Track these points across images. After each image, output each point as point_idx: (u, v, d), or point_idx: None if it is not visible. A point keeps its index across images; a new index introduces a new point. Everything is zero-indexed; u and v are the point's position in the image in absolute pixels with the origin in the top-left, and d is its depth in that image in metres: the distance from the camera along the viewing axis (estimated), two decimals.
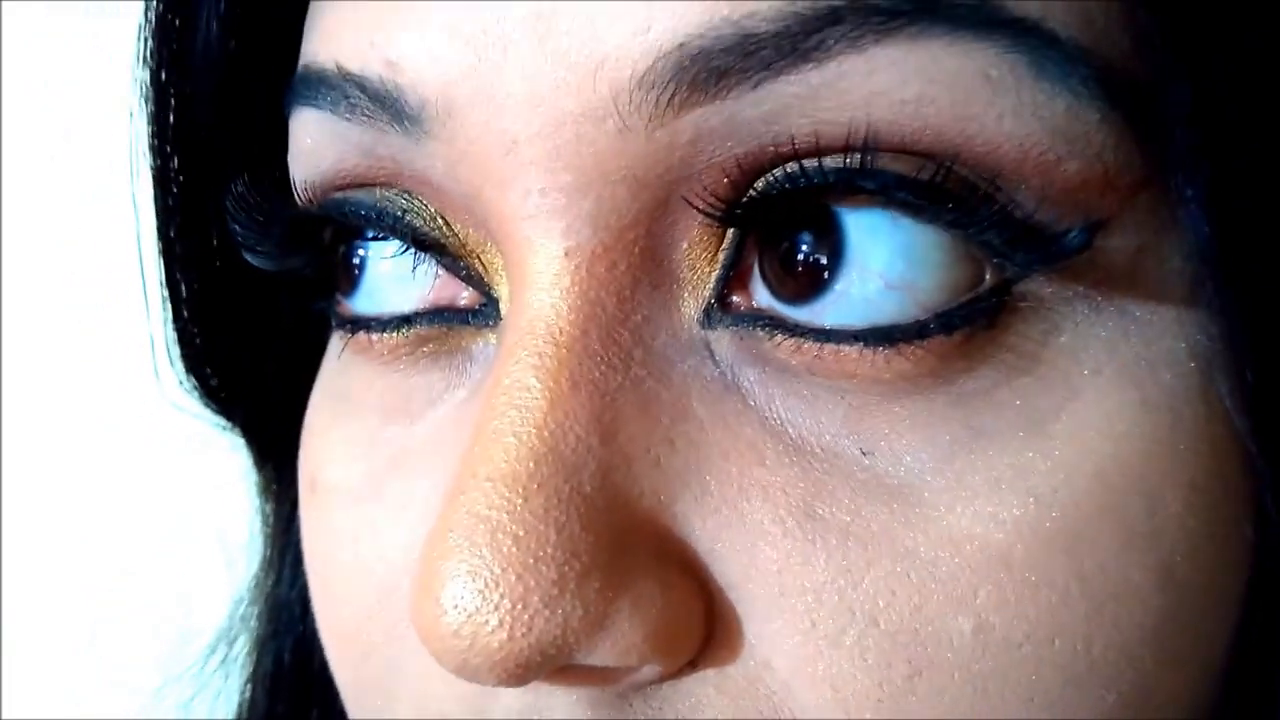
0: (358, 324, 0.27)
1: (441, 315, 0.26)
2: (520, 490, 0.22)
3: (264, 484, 0.39)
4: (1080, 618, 0.22)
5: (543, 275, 0.23)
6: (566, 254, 0.23)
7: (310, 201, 0.27)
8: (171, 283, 0.33)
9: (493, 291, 0.25)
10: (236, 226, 0.28)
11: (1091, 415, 0.22)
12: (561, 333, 0.23)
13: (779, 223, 0.23)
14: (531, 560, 0.21)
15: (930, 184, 0.21)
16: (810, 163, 0.21)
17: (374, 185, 0.26)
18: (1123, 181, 0.22)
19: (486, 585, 0.21)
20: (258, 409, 0.36)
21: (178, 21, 0.29)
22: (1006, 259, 0.21)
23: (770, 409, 0.23)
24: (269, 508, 0.39)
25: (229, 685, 0.41)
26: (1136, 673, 0.23)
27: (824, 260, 0.22)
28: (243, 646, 0.40)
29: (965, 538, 0.22)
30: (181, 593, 0.57)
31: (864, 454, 0.22)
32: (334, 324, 0.29)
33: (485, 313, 0.26)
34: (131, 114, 0.31)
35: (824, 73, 0.21)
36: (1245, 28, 0.22)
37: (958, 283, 0.22)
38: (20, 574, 0.63)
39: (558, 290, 0.23)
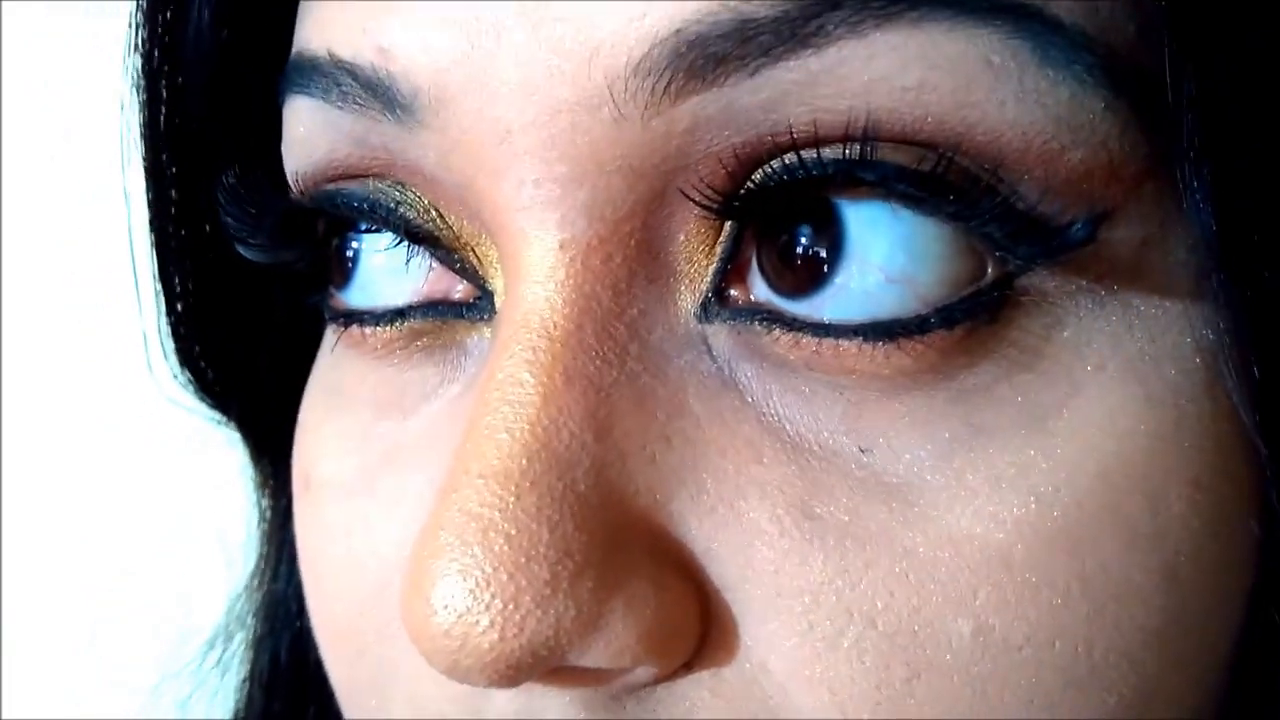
0: (351, 318, 0.27)
1: (435, 309, 0.26)
2: (513, 488, 0.21)
3: (260, 479, 0.38)
4: (1082, 619, 0.22)
5: (537, 268, 0.23)
6: (561, 246, 0.22)
7: (303, 193, 0.27)
8: (165, 276, 0.32)
9: (487, 284, 0.25)
10: (228, 219, 0.28)
11: (1094, 412, 0.22)
12: (556, 327, 0.22)
13: (777, 215, 0.23)
14: (524, 559, 0.21)
15: (931, 175, 0.21)
16: (809, 154, 0.21)
17: (367, 176, 0.25)
18: (1127, 172, 0.21)
19: (478, 585, 0.21)
20: (253, 403, 0.36)
21: (169, 11, 0.29)
22: (1009, 252, 0.21)
23: (768, 405, 0.23)
24: (265, 503, 0.39)
25: (226, 683, 0.41)
26: (1138, 675, 0.22)
27: (823, 253, 0.22)
28: (240, 644, 0.40)
29: (965, 537, 0.21)
30: (181, 592, 0.57)
31: (862, 451, 0.22)
32: (327, 318, 0.29)
33: (480, 306, 0.26)
34: (122, 105, 0.30)
35: (823, 59, 0.20)
36: (1252, 14, 0.21)
37: (959, 276, 0.22)
38: (20, 574, 0.63)
39: (552, 283, 0.22)
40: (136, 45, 0.30)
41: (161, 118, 0.30)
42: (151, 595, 0.61)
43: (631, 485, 0.22)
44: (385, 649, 0.26)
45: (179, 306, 0.33)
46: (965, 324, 0.21)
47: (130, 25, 0.30)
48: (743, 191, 0.22)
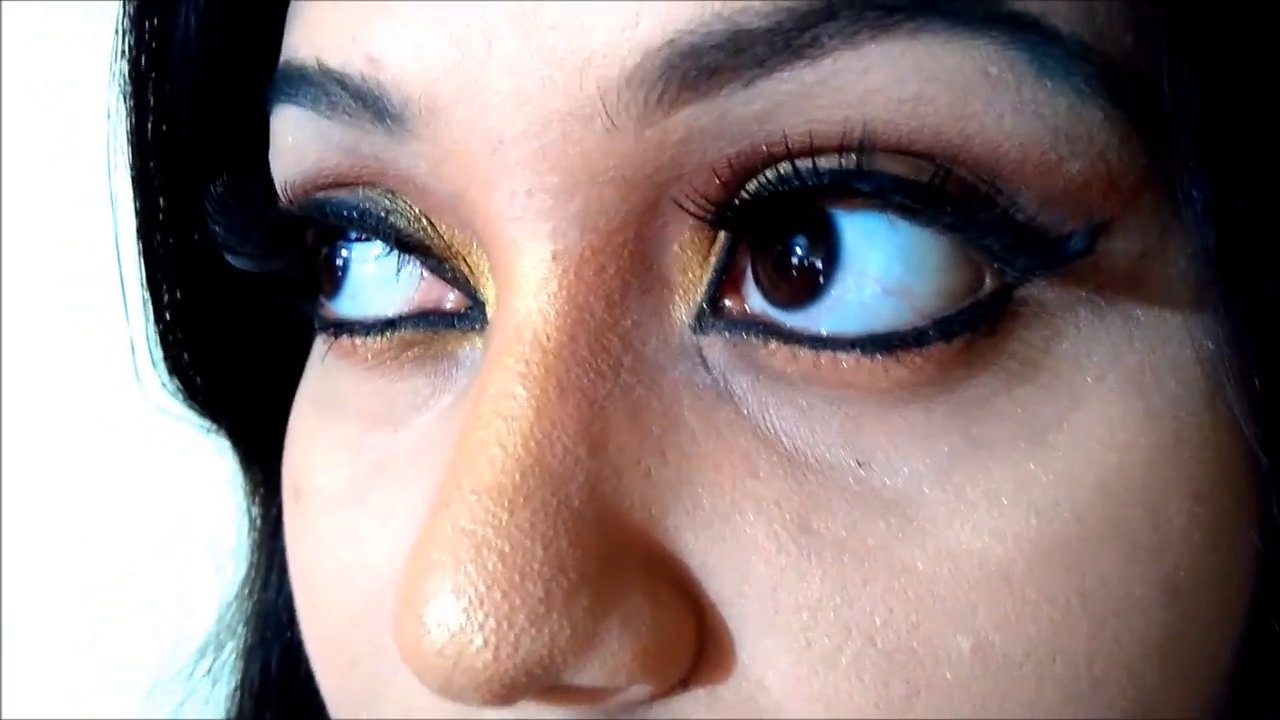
0: (341, 327, 0.27)
1: (426, 319, 0.26)
2: (506, 504, 0.21)
3: (251, 487, 0.38)
4: (1082, 635, 0.21)
5: (529, 279, 0.22)
6: (554, 257, 0.22)
7: (291, 202, 0.26)
8: (153, 284, 0.32)
9: (479, 294, 0.25)
10: (217, 228, 0.27)
11: (1094, 425, 0.22)
12: (549, 339, 0.22)
13: (772, 225, 0.22)
14: (518, 577, 0.21)
15: (929, 186, 0.20)
16: (804, 163, 0.21)
17: (357, 185, 0.25)
18: (1126, 182, 0.21)
19: (471, 603, 0.20)
20: (243, 411, 0.35)
21: (156, 18, 0.29)
22: (1008, 264, 0.21)
23: (764, 418, 0.22)
24: (256, 512, 0.38)
25: (217, 692, 0.41)
26: (1139, 688, 0.22)
27: (819, 264, 0.22)
28: (231, 653, 0.40)
29: (964, 553, 0.21)
30: (180, 593, 0.57)
31: (860, 465, 0.22)
32: (317, 327, 0.29)
33: (471, 316, 0.25)
34: (109, 113, 0.30)
35: (818, 70, 0.20)
36: (1250, 22, 0.21)
37: (956, 287, 0.21)
38: (20, 574, 0.63)
39: (545, 295, 0.22)
40: (123, 51, 0.29)
41: (149, 125, 0.30)
42: (151, 595, 0.61)
43: (626, 500, 0.22)
44: (377, 662, 0.25)
45: (167, 315, 0.33)
46: (964, 336, 0.21)
47: (116, 32, 0.29)
48: (737, 201, 0.22)
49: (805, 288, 0.22)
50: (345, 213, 0.25)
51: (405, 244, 0.25)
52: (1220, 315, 0.22)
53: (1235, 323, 0.22)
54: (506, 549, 0.21)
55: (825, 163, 0.21)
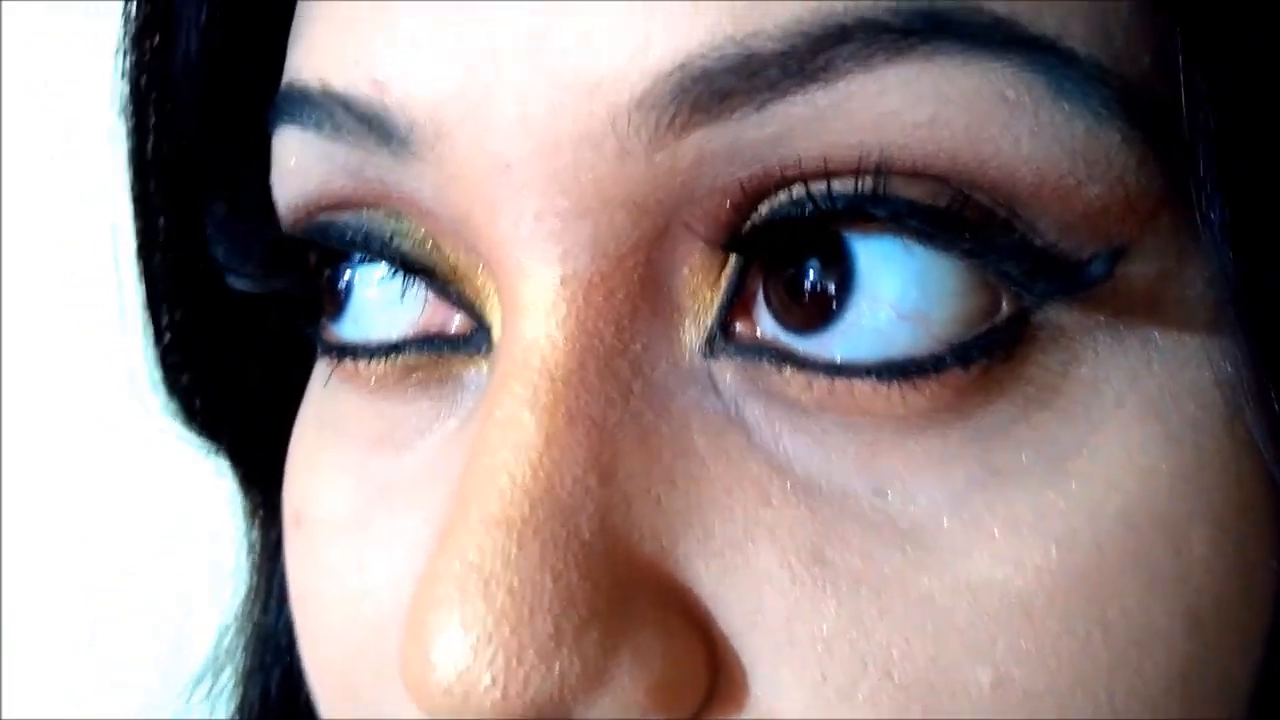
0: (344, 351, 0.26)
1: (431, 343, 0.25)
2: (515, 536, 0.21)
3: (250, 510, 0.37)
4: (1103, 667, 0.21)
5: (537, 303, 0.22)
6: (562, 281, 0.22)
7: (295, 224, 0.26)
8: (152, 304, 0.32)
9: (485, 318, 0.24)
10: (218, 249, 0.27)
11: (1114, 450, 0.21)
12: (557, 365, 0.22)
13: (784, 248, 0.22)
14: (527, 612, 0.20)
15: (946, 211, 0.20)
16: (818, 187, 0.20)
17: (361, 207, 0.25)
18: (1143, 205, 0.21)
19: (479, 640, 0.20)
20: (243, 433, 0.35)
21: (156, 37, 0.29)
22: (1026, 289, 0.21)
23: (776, 445, 0.22)
24: (255, 534, 0.38)
25: (217, 711, 0.40)
26: (1160, 718, 0.22)
27: (832, 288, 0.21)
28: (229, 678, 0.39)
29: (983, 583, 0.21)
30: (181, 593, 0.57)
31: (876, 494, 0.21)
32: (320, 350, 0.28)
33: (477, 340, 0.25)
34: (109, 136, 0.30)
35: (832, 94, 0.20)
36: (1266, 43, 0.21)
37: (973, 313, 0.21)
38: (20, 574, 0.63)
39: (553, 319, 0.22)
40: (123, 71, 0.29)
41: (149, 145, 0.30)
42: (151, 595, 0.61)
43: (637, 530, 0.22)
44: (380, 693, 0.25)
45: (166, 335, 0.32)
46: (981, 362, 0.21)
47: (117, 52, 0.29)
48: (749, 225, 0.22)
49: (818, 312, 0.22)
50: (349, 235, 0.25)
51: (410, 266, 0.25)
52: (1239, 337, 0.22)
53: (1254, 345, 0.22)
54: (515, 584, 0.20)
55: (840, 187, 0.20)
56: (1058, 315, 0.21)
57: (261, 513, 0.37)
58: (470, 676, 0.20)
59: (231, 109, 0.29)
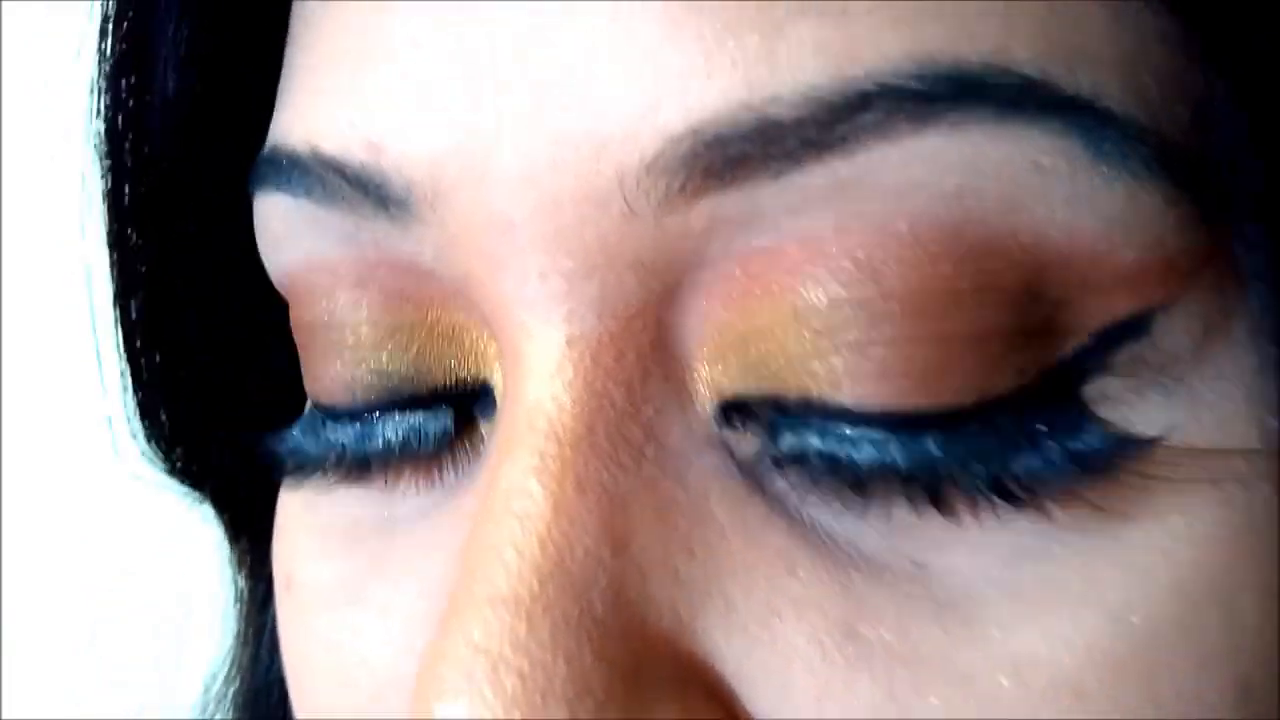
0: (334, 408, 0.25)
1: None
2: (524, 615, 0.19)
3: (238, 558, 0.36)
4: None
5: (543, 365, 0.21)
6: (569, 342, 0.21)
7: (284, 289, 0.25)
8: (130, 354, 0.31)
9: (488, 381, 0.23)
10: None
11: (1169, 515, 0.20)
12: (564, 428, 0.20)
13: None
14: (539, 699, 0.19)
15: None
16: None
17: (351, 287, 0.24)
18: (1185, 262, 0.20)
19: None
20: (228, 482, 0.34)
21: (133, 77, 0.27)
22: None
23: (802, 513, 0.21)
24: (243, 583, 0.36)
25: None
26: None
27: None
28: None
29: (1030, 661, 0.19)
30: (181, 593, 0.57)
31: (913, 565, 0.20)
32: (310, 404, 0.27)
33: (482, 404, 0.24)
34: (83, 177, 0.29)
35: (852, 165, 0.19)
36: None
37: None
38: (20, 574, 0.63)
39: (559, 381, 0.21)
40: (97, 111, 0.28)
41: (126, 188, 0.28)
42: (151, 595, 0.61)
43: (654, 604, 0.20)
44: None
45: (144, 383, 0.31)
46: None
47: (90, 91, 0.28)
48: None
49: None
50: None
51: (408, 405, 0.24)
52: None
53: None
54: (526, 667, 0.19)
55: None
56: (1103, 382, 0.20)
57: (250, 560, 0.36)
58: None
59: (213, 150, 0.28)
